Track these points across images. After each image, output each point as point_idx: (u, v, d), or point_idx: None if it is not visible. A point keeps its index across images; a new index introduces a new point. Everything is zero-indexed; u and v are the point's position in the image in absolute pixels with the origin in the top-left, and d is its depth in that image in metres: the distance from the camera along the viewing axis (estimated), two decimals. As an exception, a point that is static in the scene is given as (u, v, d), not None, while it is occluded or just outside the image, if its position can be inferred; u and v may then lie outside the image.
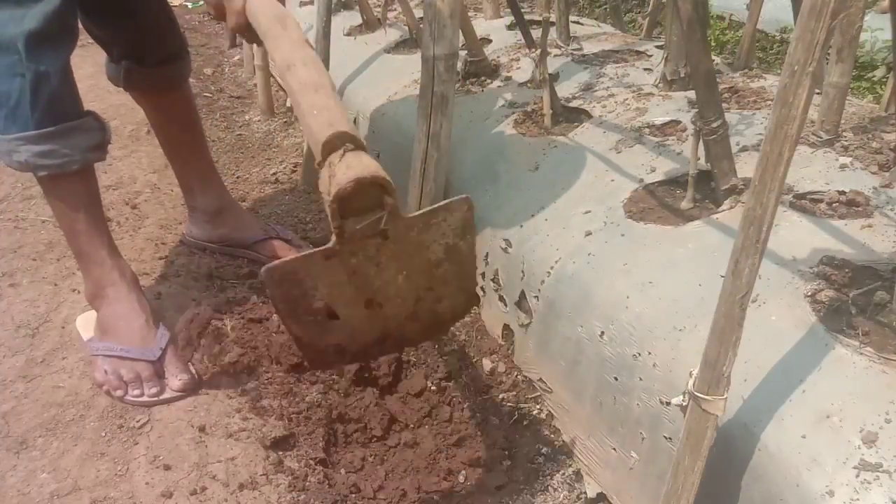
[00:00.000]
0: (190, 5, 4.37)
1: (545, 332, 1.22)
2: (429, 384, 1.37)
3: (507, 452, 1.23)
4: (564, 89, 1.65)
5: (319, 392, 1.30)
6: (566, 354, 1.16)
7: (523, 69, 1.82)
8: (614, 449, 1.06)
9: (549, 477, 1.19)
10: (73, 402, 1.23)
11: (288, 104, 2.76)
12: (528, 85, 1.73)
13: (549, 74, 1.49)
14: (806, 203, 1.07)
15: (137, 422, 1.19)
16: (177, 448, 1.15)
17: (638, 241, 1.13)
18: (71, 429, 1.18)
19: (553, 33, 1.92)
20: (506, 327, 1.38)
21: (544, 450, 1.23)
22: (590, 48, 1.89)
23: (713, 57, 1.45)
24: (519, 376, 1.34)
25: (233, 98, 3.01)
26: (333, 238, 0.84)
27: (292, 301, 0.87)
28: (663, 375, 0.94)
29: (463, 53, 1.82)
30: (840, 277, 0.91)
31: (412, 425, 1.30)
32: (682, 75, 1.50)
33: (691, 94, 1.43)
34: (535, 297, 1.24)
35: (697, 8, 1.08)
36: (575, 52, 1.86)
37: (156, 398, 1.22)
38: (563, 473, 1.19)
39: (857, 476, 0.71)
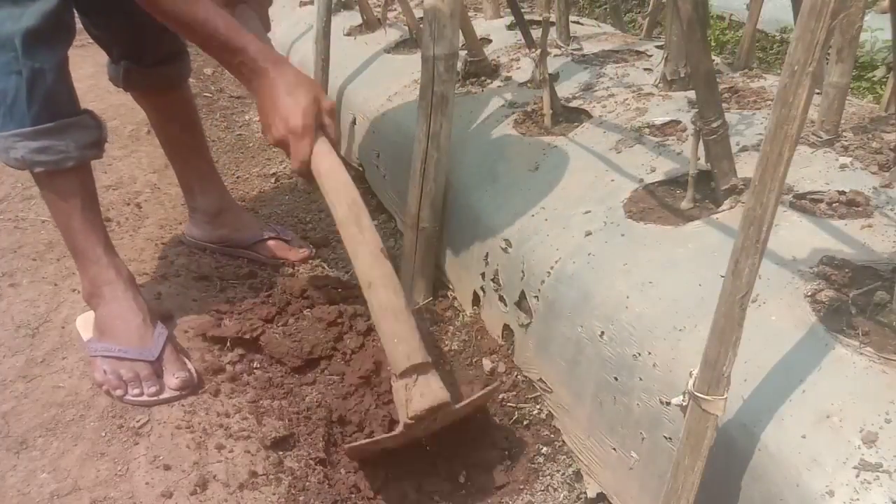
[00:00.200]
0: (190, 5, 4.36)
1: (545, 332, 1.22)
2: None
3: (507, 452, 1.23)
4: (564, 89, 1.65)
5: (319, 393, 1.30)
6: (566, 354, 1.16)
7: (523, 69, 1.82)
8: (614, 449, 1.06)
9: (549, 477, 1.19)
10: (73, 402, 1.23)
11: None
12: (528, 85, 1.73)
13: (549, 74, 1.49)
14: (806, 203, 1.07)
15: (137, 422, 1.19)
16: (177, 448, 1.15)
17: (638, 241, 1.13)
18: (71, 429, 1.18)
19: (553, 33, 1.92)
20: (506, 327, 1.38)
21: (544, 450, 1.23)
22: (590, 48, 1.89)
23: (713, 57, 1.45)
24: (519, 376, 1.34)
25: (233, 98, 3.01)
26: (401, 428, 1.09)
27: (363, 455, 1.18)
28: (663, 375, 0.94)
29: (463, 53, 1.82)
30: (840, 277, 0.91)
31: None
32: (682, 75, 1.50)
33: (691, 94, 1.43)
34: (535, 297, 1.24)
35: (697, 8, 1.08)
36: (575, 52, 1.86)
37: (155, 397, 1.23)
38: (563, 473, 1.19)
39: (857, 476, 0.71)
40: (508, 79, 1.81)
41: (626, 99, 1.53)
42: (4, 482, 1.09)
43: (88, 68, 2.92)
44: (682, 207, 1.16)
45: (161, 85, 1.57)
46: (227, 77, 3.29)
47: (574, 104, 1.58)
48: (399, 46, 2.27)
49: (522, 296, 1.29)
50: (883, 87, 2.10)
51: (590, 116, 1.52)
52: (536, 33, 1.63)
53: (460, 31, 1.49)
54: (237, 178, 2.27)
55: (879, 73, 2.52)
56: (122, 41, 1.49)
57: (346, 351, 1.34)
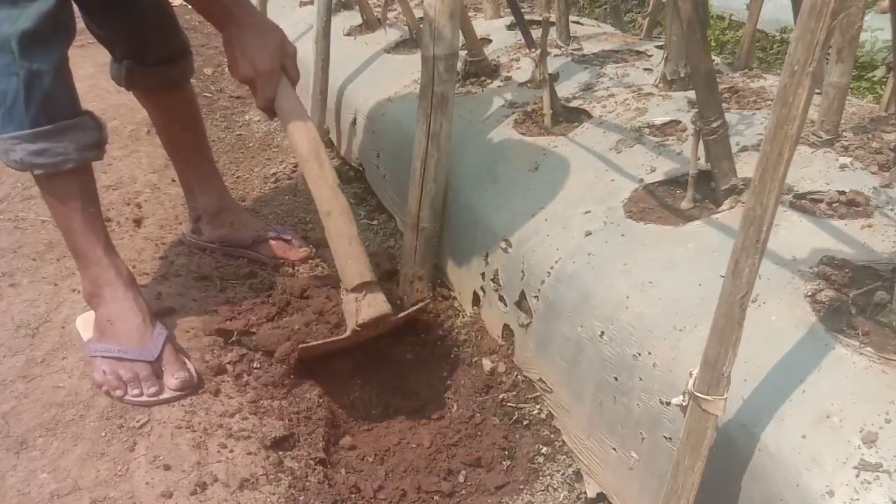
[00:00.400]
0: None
1: (545, 332, 1.22)
2: (429, 384, 1.37)
3: (507, 452, 1.23)
4: (564, 89, 1.65)
5: (319, 393, 1.30)
6: (566, 354, 1.16)
7: (523, 69, 1.82)
8: (614, 449, 1.06)
9: (549, 477, 1.19)
10: (73, 402, 1.23)
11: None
12: (528, 85, 1.73)
13: (549, 74, 1.49)
14: (806, 203, 1.07)
15: (137, 422, 1.19)
16: (177, 448, 1.14)
17: (638, 241, 1.13)
18: (71, 429, 1.18)
19: (553, 33, 1.92)
20: (506, 327, 1.38)
21: (544, 450, 1.23)
22: (590, 48, 1.89)
23: (713, 57, 1.45)
24: (519, 376, 1.34)
25: (233, 98, 3.01)
26: (348, 332, 1.26)
27: (313, 354, 1.31)
28: (663, 375, 0.94)
29: (463, 53, 1.82)
30: (840, 277, 0.91)
31: (412, 425, 1.30)
32: (682, 75, 1.50)
33: (691, 94, 1.43)
34: (535, 297, 1.24)
35: (697, 8, 1.08)
36: (575, 52, 1.86)
37: (155, 398, 1.22)
38: (563, 473, 1.19)
39: (857, 476, 0.71)
40: (508, 79, 1.81)
41: (626, 99, 1.53)
42: (4, 482, 1.09)
43: (88, 68, 2.92)
44: (682, 207, 1.16)
45: (164, 84, 1.57)
46: (226, 77, 3.29)
47: (574, 104, 1.58)
48: (399, 46, 2.27)
49: (522, 296, 1.29)
50: (883, 87, 2.11)
51: (590, 116, 1.52)
52: (536, 33, 1.63)
53: (460, 31, 1.49)
54: (237, 178, 2.27)
55: (879, 73, 2.52)
56: (125, 40, 1.49)
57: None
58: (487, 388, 1.35)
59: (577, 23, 2.21)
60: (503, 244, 1.35)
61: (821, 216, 1.04)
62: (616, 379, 1.03)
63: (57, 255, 1.67)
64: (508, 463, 1.22)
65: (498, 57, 1.96)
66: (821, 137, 1.20)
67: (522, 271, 1.29)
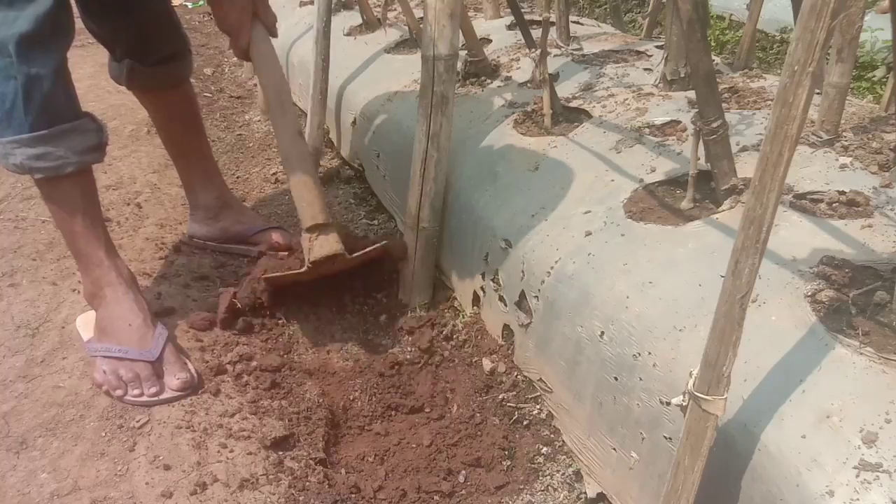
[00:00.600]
0: (190, 5, 4.37)
1: (545, 332, 1.22)
2: (429, 384, 1.37)
3: (507, 452, 1.23)
4: (564, 89, 1.65)
5: (319, 393, 1.30)
6: (566, 354, 1.16)
7: (523, 69, 1.82)
8: (614, 449, 1.06)
9: (549, 477, 1.19)
10: (73, 402, 1.23)
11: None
12: (528, 85, 1.73)
13: (549, 74, 1.49)
14: (806, 203, 1.07)
15: (137, 422, 1.19)
16: (177, 448, 1.15)
17: (638, 241, 1.13)
18: (71, 429, 1.18)
19: (553, 33, 1.92)
20: (506, 327, 1.38)
21: (544, 450, 1.23)
22: (590, 48, 1.89)
23: (713, 57, 1.45)
24: (519, 376, 1.34)
25: (233, 98, 3.01)
26: (306, 268, 1.39)
27: (274, 286, 1.46)
28: (663, 375, 0.94)
29: (463, 53, 1.82)
30: (840, 277, 0.91)
31: (412, 425, 1.30)
32: (682, 75, 1.49)
33: (691, 94, 1.43)
34: (535, 297, 1.24)
35: (697, 8, 1.08)
36: (575, 52, 1.86)
37: (155, 398, 1.22)
38: (563, 473, 1.19)
39: (857, 476, 0.71)
40: (508, 79, 1.80)
41: (626, 99, 1.53)
42: (4, 482, 1.09)
43: (88, 68, 2.92)
44: (682, 207, 1.16)
45: (165, 83, 1.57)
46: (227, 77, 3.29)
47: (574, 104, 1.58)
48: (399, 46, 2.27)
49: (522, 296, 1.29)
50: (883, 87, 2.11)
51: (590, 116, 1.52)
52: (536, 33, 1.63)
53: (460, 31, 1.49)
54: (237, 178, 2.27)
55: (879, 73, 2.52)
56: (126, 40, 1.49)
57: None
58: (487, 388, 1.35)
59: (577, 23, 2.21)
60: (503, 244, 1.35)
61: (821, 216, 1.04)
62: (616, 379, 1.03)
63: (57, 255, 1.67)
64: (508, 463, 1.22)
65: (498, 57, 1.96)
66: (821, 137, 1.20)
67: (522, 271, 1.29)
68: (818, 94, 1.23)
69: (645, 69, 1.68)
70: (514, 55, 1.94)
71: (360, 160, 2.10)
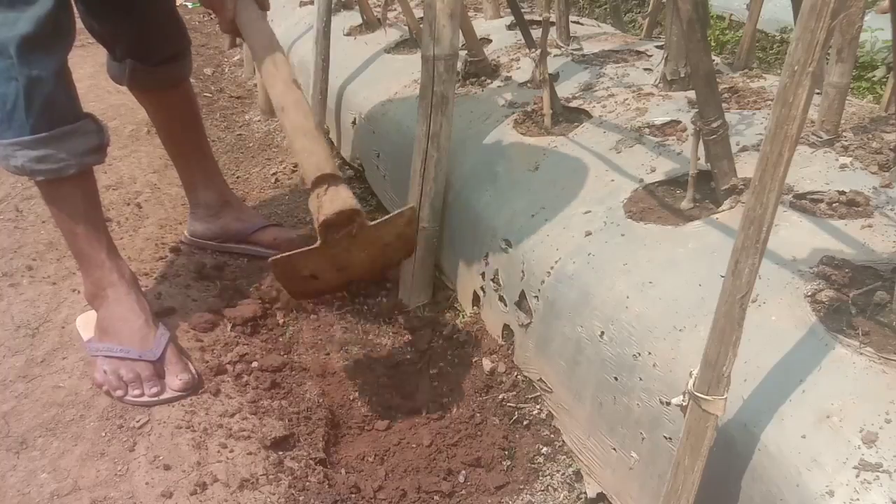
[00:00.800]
0: (190, 5, 4.37)
1: (545, 332, 1.22)
2: (429, 384, 1.37)
3: (507, 452, 1.23)
4: (564, 89, 1.65)
5: (319, 393, 1.30)
6: (566, 354, 1.16)
7: (523, 69, 1.82)
8: (614, 449, 1.06)
9: (549, 477, 1.19)
10: (73, 402, 1.23)
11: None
12: (528, 85, 1.73)
13: (549, 74, 1.49)
14: (806, 203, 1.07)
15: (137, 422, 1.19)
16: (177, 448, 1.15)
17: (638, 241, 1.13)
18: (71, 429, 1.18)
19: (553, 33, 1.92)
20: (506, 327, 1.38)
21: (544, 450, 1.23)
22: (590, 48, 1.89)
23: (713, 57, 1.45)
24: (519, 376, 1.34)
25: (233, 98, 3.01)
26: (319, 241, 1.18)
27: (288, 275, 1.25)
28: (663, 375, 0.94)
29: (463, 53, 1.81)
30: (840, 277, 0.91)
31: (412, 425, 1.30)
32: (682, 75, 1.49)
33: (691, 94, 1.43)
34: (535, 297, 1.24)
35: (697, 8, 1.08)
36: (575, 52, 1.86)
37: (156, 398, 1.22)
38: (563, 473, 1.19)
39: (857, 476, 0.71)
40: (508, 79, 1.80)
41: (626, 99, 1.53)
42: (4, 482, 1.09)
43: (88, 68, 2.92)
44: (682, 207, 1.16)
45: (165, 83, 1.57)
46: (227, 77, 3.29)
47: (574, 104, 1.58)
48: (399, 46, 2.27)
49: (522, 296, 1.29)
50: (883, 87, 2.11)
51: (590, 116, 1.52)
52: (536, 33, 1.63)
53: (460, 31, 1.49)
54: (237, 177, 2.27)
55: (879, 73, 2.52)
56: (128, 40, 1.48)
57: None
58: (487, 388, 1.35)
59: (577, 23, 2.21)
60: (503, 244, 1.35)
61: (821, 216, 1.04)
62: (616, 379, 1.03)
63: (57, 256, 1.67)
64: (508, 463, 1.22)
65: (498, 57, 1.96)
66: (821, 137, 1.20)
67: (522, 271, 1.29)
68: (818, 94, 1.23)
69: (645, 69, 1.68)
70: (514, 55, 1.94)
71: (360, 160, 2.10)
